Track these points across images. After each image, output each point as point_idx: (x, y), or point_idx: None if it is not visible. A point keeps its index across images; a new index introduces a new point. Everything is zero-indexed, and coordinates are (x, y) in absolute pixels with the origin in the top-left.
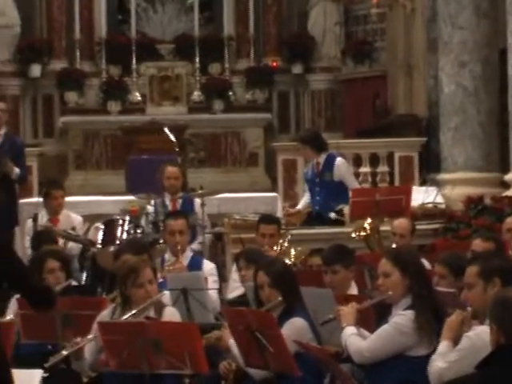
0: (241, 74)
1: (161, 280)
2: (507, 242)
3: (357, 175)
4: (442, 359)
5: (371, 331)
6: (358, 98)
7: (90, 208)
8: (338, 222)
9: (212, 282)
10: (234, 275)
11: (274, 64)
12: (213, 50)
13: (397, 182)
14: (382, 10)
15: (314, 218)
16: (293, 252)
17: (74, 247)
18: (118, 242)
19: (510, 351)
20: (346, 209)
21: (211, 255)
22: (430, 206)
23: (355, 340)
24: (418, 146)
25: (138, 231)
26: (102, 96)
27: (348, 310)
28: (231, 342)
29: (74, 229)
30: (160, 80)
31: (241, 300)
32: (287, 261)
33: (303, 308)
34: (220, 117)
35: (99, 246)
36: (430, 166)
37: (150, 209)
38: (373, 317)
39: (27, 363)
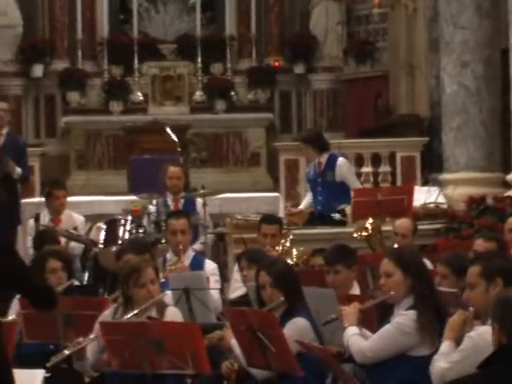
0: (243, 73)
1: (163, 280)
2: (509, 241)
3: (359, 175)
4: (444, 359)
5: (373, 331)
6: (359, 97)
7: (92, 208)
8: (340, 222)
9: (214, 282)
10: (235, 275)
11: (276, 64)
12: (215, 49)
13: (399, 182)
14: (384, 9)
15: (316, 218)
16: (295, 252)
17: (75, 247)
18: (119, 242)
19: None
20: (348, 209)
21: (213, 255)
22: (431, 206)
23: (357, 340)
24: (420, 145)
25: (140, 231)
26: (104, 96)
27: (350, 310)
28: (233, 341)
29: (75, 229)
30: (162, 80)
31: (243, 300)
32: (289, 261)
33: (305, 308)
34: (222, 117)
35: (101, 246)
36: (431, 166)
37: (152, 209)
38: (375, 317)
39: (29, 363)
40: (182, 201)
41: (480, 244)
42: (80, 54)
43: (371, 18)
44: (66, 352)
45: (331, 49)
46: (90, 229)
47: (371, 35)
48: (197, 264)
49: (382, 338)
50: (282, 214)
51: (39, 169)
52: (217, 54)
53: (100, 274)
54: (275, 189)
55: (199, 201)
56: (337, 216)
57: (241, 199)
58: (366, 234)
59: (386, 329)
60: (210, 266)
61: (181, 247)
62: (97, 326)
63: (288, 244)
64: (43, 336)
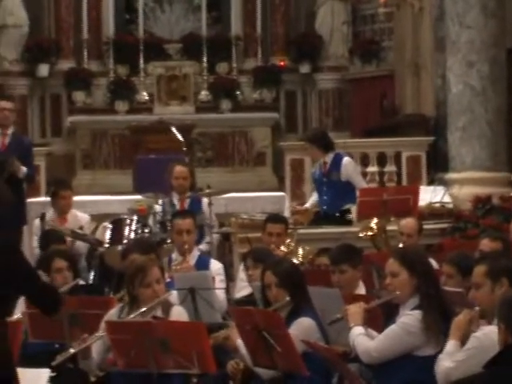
0: (248, 73)
1: (168, 280)
2: None
3: (364, 175)
4: (450, 359)
5: (379, 331)
6: (365, 97)
7: (98, 207)
8: (346, 222)
9: (219, 282)
10: (241, 275)
11: (282, 63)
12: (220, 49)
13: (404, 182)
14: (390, 9)
15: (322, 217)
16: (300, 251)
17: (81, 246)
18: (125, 242)
19: None
20: (354, 208)
21: (219, 255)
22: (437, 205)
23: (363, 340)
24: (426, 145)
25: (146, 231)
26: (109, 96)
27: (356, 310)
28: (239, 341)
29: (81, 228)
30: (167, 79)
31: (248, 299)
32: (295, 260)
33: (311, 308)
34: (227, 116)
35: (107, 246)
36: (437, 166)
37: (158, 208)
38: (380, 316)
39: (34, 362)
40: (188, 200)
41: (486, 244)
42: (86, 53)
43: (377, 17)
44: (72, 350)
45: (337, 48)
46: (96, 228)
47: (377, 35)
48: (202, 264)
49: (387, 338)
50: (287, 213)
51: (45, 168)
52: (222, 54)
53: (106, 273)
54: (281, 188)
55: (205, 200)
56: (350, 216)
57: (246, 199)
58: (371, 233)
59: (392, 329)
60: (216, 265)
61: (186, 247)
62: (102, 326)
63: (293, 243)
64: (48, 335)
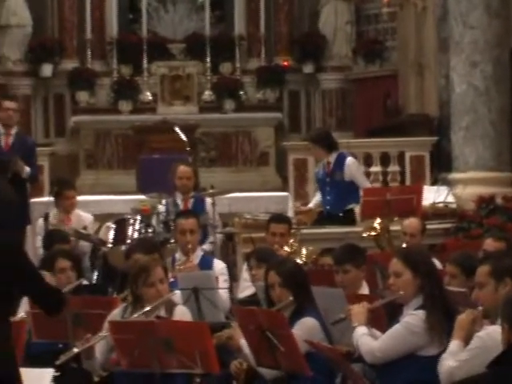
0: (252, 73)
1: (172, 280)
2: None
3: (367, 175)
4: (453, 358)
5: (382, 331)
6: (368, 97)
7: (101, 207)
8: (350, 222)
9: (222, 282)
10: (244, 274)
11: (285, 63)
12: (224, 49)
13: (408, 182)
14: (393, 9)
15: (325, 217)
16: (304, 251)
17: (84, 246)
18: (129, 242)
19: None
20: (357, 208)
21: (222, 255)
22: (441, 205)
23: (366, 340)
24: (429, 145)
25: (149, 230)
26: (113, 95)
27: (359, 310)
28: (242, 341)
29: (85, 228)
30: (171, 79)
31: (251, 299)
32: (298, 260)
33: (314, 308)
34: (231, 116)
35: (110, 245)
36: (441, 166)
37: (162, 208)
38: (384, 316)
39: (38, 362)
40: (192, 200)
41: (489, 244)
42: (89, 53)
43: (380, 17)
44: (75, 349)
45: (340, 48)
46: (99, 228)
47: (380, 34)
48: (205, 263)
49: (391, 338)
50: (290, 213)
51: (48, 168)
52: (226, 54)
53: (109, 273)
54: (284, 188)
55: (208, 200)
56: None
57: (250, 199)
58: (374, 233)
59: (395, 329)
60: (219, 265)
61: (190, 247)
62: (106, 325)
63: (297, 243)
64: (52, 335)
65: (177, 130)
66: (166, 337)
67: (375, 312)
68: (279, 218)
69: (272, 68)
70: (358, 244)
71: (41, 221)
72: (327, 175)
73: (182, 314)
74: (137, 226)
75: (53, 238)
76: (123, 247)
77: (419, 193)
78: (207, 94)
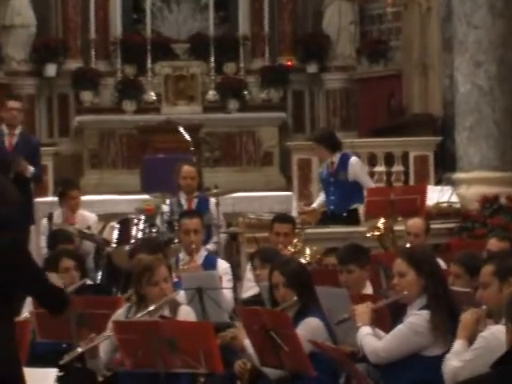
0: (256, 73)
1: (176, 280)
2: None
3: (371, 174)
4: (457, 358)
5: (386, 331)
6: (372, 97)
7: (106, 207)
8: (353, 221)
9: (226, 282)
10: (248, 274)
11: (289, 63)
12: (228, 49)
13: (412, 182)
14: (397, 9)
15: (329, 217)
16: (308, 251)
17: (88, 246)
18: (132, 241)
19: None
20: (361, 208)
21: (226, 255)
22: (445, 205)
23: (370, 340)
24: (433, 145)
25: (153, 230)
26: (117, 95)
27: (363, 310)
28: (246, 341)
29: (89, 228)
30: (175, 79)
31: (255, 299)
32: (302, 260)
33: (318, 308)
34: (235, 116)
35: (114, 245)
36: (445, 166)
37: (166, 208)
38: (388, 316)
39: (42, 362)
40: (196, 200)
41: (493, 243)
42: (93, 53)
43: (384, 17)
44: (79, 349)
45: (344, 48)
46: (104, 228)
47: (384, 34)
48: (209, 263)
49: (395, 338)
50: (294, 213)
51: (52, 168)
52: (230, 54)
53: (113, 273)
54: (288, 188)
55: (212, 200)
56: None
57: (254, 198)
58: (378, 233)
59: (399, 329)
60: (223, 265)
61: (193, 247)
62: (110, 325)
63: (300, 243)
64: (56, 335)
65: (181, 129)
66: (170, 337)
67: (379, 312)
68: (283, 217)
69: (276, 68)
70: (362, 244)
71: (45, 221)
72: (331, 175)
73: (186, 313)
74: (141, 226)
75: (57, 237)
76: (127, 247)
77: (423, 193)
78: (211, 94)
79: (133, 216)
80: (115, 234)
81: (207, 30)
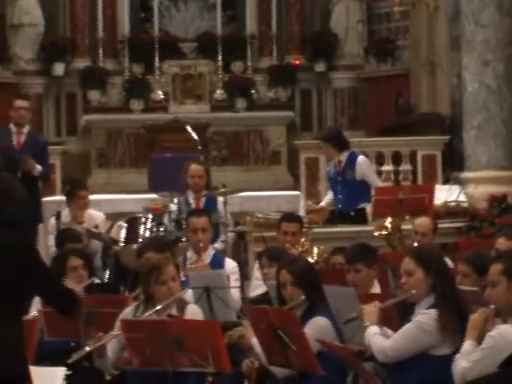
0: (263, 72)
1: (183, 278)
2: None
3: (379, 173)
4: (466, 359)
5: (394, 330)
6: (380, 96)
7: (113, 206)
8: (361, 221)
9: (234, 280)
10: (256, 273)
11: (297, 62)
12: (235, 48)
13: (420, 181)
14: (405, 7)
15: (337, 216)
16: (315, 250)
17: (96, 245)
18: (140, 240)
19: None
20: (369, 207)
21: (234, 253)
22: (452, 204)
23: (378, 339)
24: (441, 144)
25: (161, 229)
26: (124, 94)
27: (371, 309)
28: (254, 340)
29: (96, 227)
30: (183, 78)
31: (263, 298)
32: (310, 259)
33: (326, 307)
34: (242, 115)
35: (122, 244)
36: (453, 165)
37: (173, 207)
38: (396, 316)
39: (50, 360)
40: (204, 199)
41: (502, 242)
42: (101, 52)
43: (392, 16)
44: (87, 348)
45: (352, 47)
46: (111, 227)
47: (392, 33)
48: (217, 262)
49: (403, 337)
50: (302, 212)
51: (60, 167)
52: (237, 53)
53: (121, 271)
54: (296, 187)
55: (220, 199)
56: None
57: (261, 197)
58: (385, 232)
59: (407, 328)
60: (230, 264)
61: (201, 245)
62: (118, 324)
63: (308, 242)
64: (64, 334)
65: (188, 128)
66: (178, 335)
67: (387, 311)
68: (291, 216)
69: (284, 67)
70: (370, 243)
71: (53, 220)
72: (338, 174)
73: (194, 312)
74: (148, 225)
75: (65, 236)
76: (135, 246)
77: (431, 192)
78: (219, 93)
79: (140, 215)
80: (123, 233)
81: (215, 29)
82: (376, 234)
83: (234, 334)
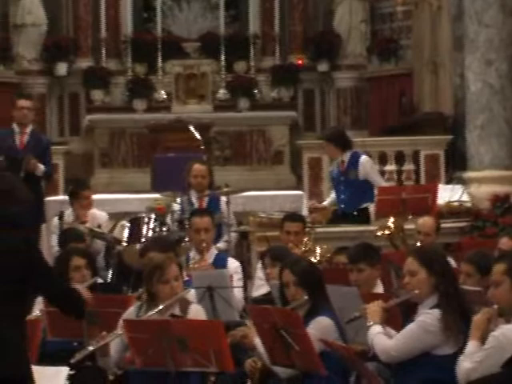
0: (266, 72)
1: (186, 278)
2: None
3: (382, 173)
4: (469, 359)
5: (397, 330)
6: (383, 95)
7: (116, 206)
8: (364, 220)
9: (237, 280)
10: (259, 273)
11: (300, 62)
12: (238, 48)
13: (422, 181)
14: (408, 7)
15: (340, 216)
16: (318, 250)
17: (99, 245)
18: (143, 240)
19: None
20: (372, 207)
21: (237, 253)
22: (455, 204)
23: (381, 339)
24: (444, 144)
25: (164, 229)
26: (127, 94)
27: (374, 309)
28: (256, 340)
29: (99, 226)
30: (185, 78)
31: (266, 298)
32: (313, 259)
33: (329, 307)
34: (245, 115)
35: (125, 244)
36: (455, 164)
37: (176, 207)
38: (399, 315)
39: (53, 360)
40: (207, 199)
41: (505, 242)
42: (104, 52)
43: (395, 15)
44: (90, 348)
45: (355, 47)
46: (114, 227)
47: (395, 33)
48: (220, 262)
49: (406, 337)
50: (305, 212)
51: (63, 167)
52: (240, 53)
53: (124, 271)
54: (298, 187)
55: (223, 199)
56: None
57: (264, 197)
58: (388, 232)
59: (411, 328)
60: (233, 264)
61: (204, 245)
62: (120, 324)
63: (311, 242)
64: (67, 333)
65: (191, 128)
66: (181, 335)
67: (390, 311)
68: (293, 216)
69: (286, 66)
70: (373, 243)
71: (56, 219)
72: (341, 174)
73: (197, 312)
74: (151, 225)
75: (68, 236)
76: (138, 246)
77: (434, 191)
78: (222, 93)
79: (143, 215)
80: (126, 233)
81: (218, 29)
82: (379, 233)
83: (236, 333)
